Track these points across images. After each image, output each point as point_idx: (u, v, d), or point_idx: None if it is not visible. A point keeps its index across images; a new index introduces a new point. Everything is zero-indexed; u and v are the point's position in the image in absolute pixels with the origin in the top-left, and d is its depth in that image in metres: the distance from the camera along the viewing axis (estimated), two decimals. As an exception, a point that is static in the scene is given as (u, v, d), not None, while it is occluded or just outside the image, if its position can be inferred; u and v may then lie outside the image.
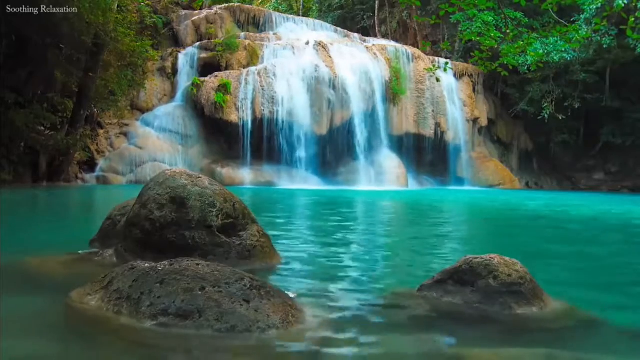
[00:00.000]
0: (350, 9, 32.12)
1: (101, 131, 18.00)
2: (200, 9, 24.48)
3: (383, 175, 20.61)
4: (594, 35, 20.05)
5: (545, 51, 18.85)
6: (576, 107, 23.60)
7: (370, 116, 21.33)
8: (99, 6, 13.76)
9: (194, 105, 19.37)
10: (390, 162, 21.22)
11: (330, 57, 21.01)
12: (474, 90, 25.05)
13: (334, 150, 20.77)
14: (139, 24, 18.46)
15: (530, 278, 2.54)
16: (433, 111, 23.11)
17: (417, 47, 25.20)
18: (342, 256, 4.19)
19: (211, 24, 22.32)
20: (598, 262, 4.47)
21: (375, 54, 22.27)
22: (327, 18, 30.91)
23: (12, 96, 13.40)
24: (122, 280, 2.26)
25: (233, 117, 19.02)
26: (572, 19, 18.65)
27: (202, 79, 19.53)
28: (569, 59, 21.89)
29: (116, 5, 15.34)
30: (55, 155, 14.74)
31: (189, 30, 21.93)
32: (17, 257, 3.37)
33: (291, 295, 2.52)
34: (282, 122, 19.37)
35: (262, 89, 19.38)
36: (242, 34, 22.22)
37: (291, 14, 31.16)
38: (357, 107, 20.74)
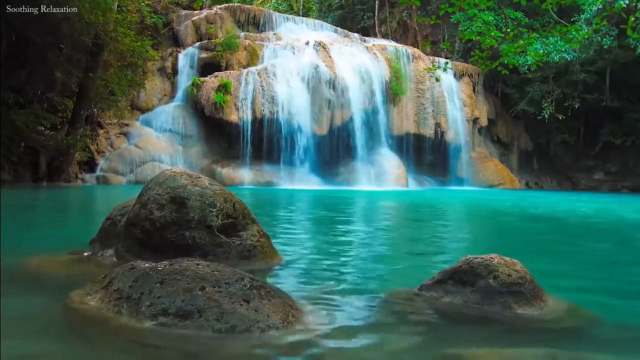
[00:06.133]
0: (350, 9, 32.11)
1: (101, 131, 18.00)
2: (200, 9, 24.49)
3: (383, 175, 20.61)
4: (594, 35, 20.05)
5: (545, 51, 18.84)
6: (576, 107, 23.61)
7: (370, 116, 21.33)
8: (99, 6, 13.76)
9: (194, 105, 19.38)
10: (390, 162, 21.22)
11: (330, 57, 21.01)
12: (474, 90, 25.06)
13: (334, 150, 20.77)
14: (139, 24, 18.45)
15: (531, 278, 2.54)
16: (433, 111, 23.10)
17: (417, 47, 25.20)
18: (342, 256, 4.18)
19: (211, 24, 22.32)
20: (598, 262, 4.47)
21: (375, 54, 22.27)
22: (327, 18, 30.91)
23: (12, 96, 13.40)
24: (122, 280, 2.26)
25: (233, 117, 19.02)
26: (572, 19, 18.64)
27: (202, 79, 19.53)
28: (569, 59, 21.89)
29: (116, 5, 15.33)
30: (55, 155, 14.73)
31: (189, 30, 21.93)
32: (17, 257, 3.37)
33: (291, 295, 2.52)
34: (282, 122, 19.37)
35: (262, 89, 19.38)
36: (242, 34, 22.23)
37: (291, 14, 31.16)
38: (357, 107, 20.74)
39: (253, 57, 20.84)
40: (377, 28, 29.78)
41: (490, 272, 2.52)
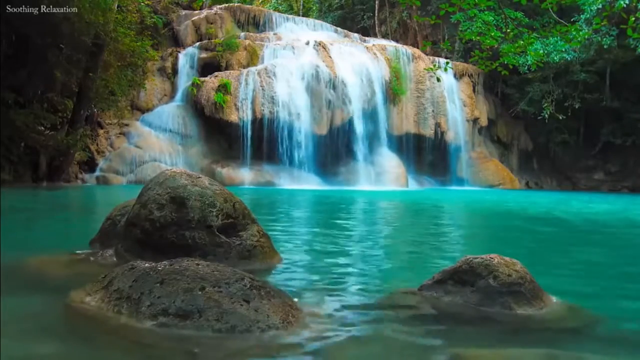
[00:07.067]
0: (350, 9, 32.11)
1: (101, 131, 17.99)
2: (200, 9, 24.48)
3: (383, 175, 20.61)
4: (594, 35, 20.06)
5: (545, 51, 18.85)
6: (576, 107, 23.61)
7: (370, 116, 21.32)
8: (99, 6, 13.74)
9: (194, 105, 19.37)
10: (390, 162, 21.22)
11: (330, 57, 21.00)
12: (474, 90, 25.05)
13: (334, 150, 20.76)
14: (139, 24, 18.42)
15: (531, 278, 2.54)
16: (433, 111, 23.10)
17: (417, 47, 25.19)
18: (342, 256, 4.19)
19: (211, 24, 22.32)
20: (598, 262, 4.47)
21: (375, 54, 22.27)
22: (327, 18, 30.90)
23: (12, 96, 13.39)
24: (122, 280, 2.26)
25: (233, 117, 19.02)
26: (572, 19, 18.64)
27: (202, 79, 19.53)
28: (569, 59, 21.89)
29: (116, 5, 15.31)
30: (55, 155, 14.72)
31: (189, 30, 21.93)
32: (17, 257, 3.37)
33: (291, 295, 2.52)
34: (282, 122, 19.36)
35: (262, 89, 19.38)
36: (242, 34, 22.22)
37: (291, 14, 31.15)
38: (357, 107, 20.73)
39: (253, 57, 20.84)
40: (377, 28, 29.77)
41: (490, 272, 2.52)
